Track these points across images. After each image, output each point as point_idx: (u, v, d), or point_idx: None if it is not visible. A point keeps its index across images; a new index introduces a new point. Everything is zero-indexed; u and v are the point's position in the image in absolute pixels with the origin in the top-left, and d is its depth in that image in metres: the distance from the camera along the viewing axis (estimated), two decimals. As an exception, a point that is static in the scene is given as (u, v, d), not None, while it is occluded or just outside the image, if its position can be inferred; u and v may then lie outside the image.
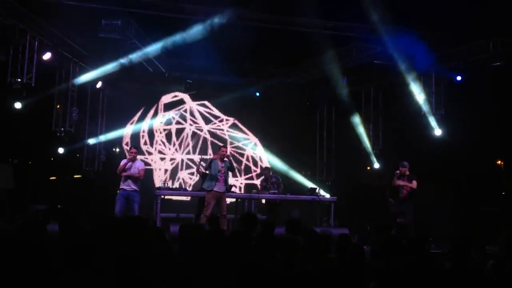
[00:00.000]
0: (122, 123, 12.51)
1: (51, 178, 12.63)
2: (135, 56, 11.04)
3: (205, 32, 10.09)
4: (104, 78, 12.05)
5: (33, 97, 9.98)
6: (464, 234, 8.54)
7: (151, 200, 10.28)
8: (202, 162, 10.68)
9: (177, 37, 10.37)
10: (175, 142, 13.35)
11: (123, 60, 11.03)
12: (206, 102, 13.82)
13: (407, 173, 9.50)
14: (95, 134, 12.29)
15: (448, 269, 3.68)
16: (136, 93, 12.60)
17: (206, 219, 8.36)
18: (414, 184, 9.24)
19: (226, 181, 8.97)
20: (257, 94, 13.54)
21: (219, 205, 8.86)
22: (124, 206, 8.68)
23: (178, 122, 13.39)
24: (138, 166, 8.95)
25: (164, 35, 10.52)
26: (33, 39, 9.68)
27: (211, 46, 10.69)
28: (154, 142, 13.14)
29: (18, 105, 9.86)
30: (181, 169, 13.24)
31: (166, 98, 13.45)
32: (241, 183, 13.24)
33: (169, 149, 13.28)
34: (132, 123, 12.89)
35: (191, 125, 13.49)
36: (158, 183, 12.39)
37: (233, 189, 10.68)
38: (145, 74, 12.24)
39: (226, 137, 13.69)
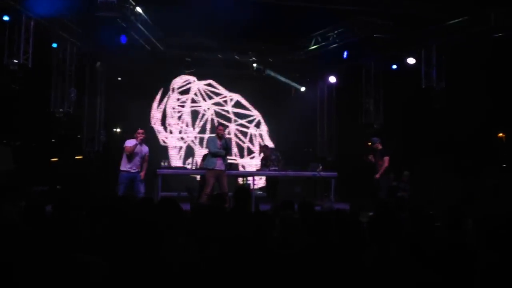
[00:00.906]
0: (122, 103, 12.44)
1: (52, 159, 12.64)
2: (132, 35, 10.91)
3: (203, 9, 9.95)
4: (103, 58, 11.97)
5: (30, 78, 9.91)
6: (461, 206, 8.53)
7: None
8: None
9: (176, 15, 10.22)
10: (187, 123, 13.45)
11: (121, 39, 10.89)
12: (211, 81, 13.83)
13: (380, 147, 9.69)
14: (94, 115, 12.24)
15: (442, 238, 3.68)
16: (135, 72, 12.52)
17: (207, 197, 8.38)
18: (385, 161, 9.45)
19: (224, 159, 8.97)
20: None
21: (220, 183, 8.89)
22: (127, 189, 8.59)
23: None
24: (145, 152, 8.85)
25: (162, 13, 10.38)
26: (29, 20, 9.57)
27: (210, 24, 10.58)
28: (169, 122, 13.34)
29: (15, 86, 9.79)
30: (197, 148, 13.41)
31: (178, 82, 13.48)
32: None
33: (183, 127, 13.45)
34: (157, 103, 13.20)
35: (199, 106, 13.61)
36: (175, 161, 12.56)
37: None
38: (144, 52, 12.12)
39: (231, 115, 13.75)
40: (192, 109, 13.74)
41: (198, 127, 13.69)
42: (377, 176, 9.80)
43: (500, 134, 11.33)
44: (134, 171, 8.68)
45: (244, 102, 14.07)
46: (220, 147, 8.92)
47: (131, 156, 8.64)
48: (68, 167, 11.88)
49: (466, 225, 4.22)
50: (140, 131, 8.78)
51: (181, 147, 13.48)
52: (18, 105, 10.29)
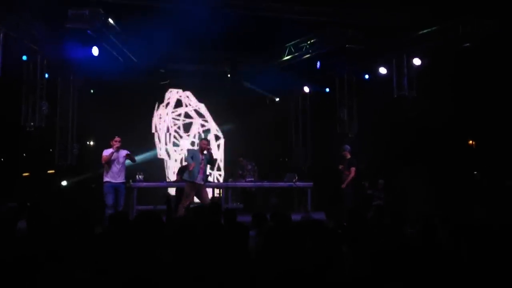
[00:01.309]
0: (94, 116, 12.28)
1: (24, 174, 12.37)
2: (104, 47, 10.80)
3: (176, 20, 9.93)
4: (74, 70, 11.81)
5: (0, 91, 9.71)
6: (435, 214, 8.66)
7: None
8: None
9: (148, 26, 10.17)
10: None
11: (92, 51, 10.77)
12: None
13: (348, 156, 9.75)
14: (66, 128, 12.04)
15: (418, 246, 3.72)
16: (107, 84, 12.38)
17: (185, 210, 8.31)
18: (352, 171, 9.52)
19: (205, 172, 9.01)
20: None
21: (200, 196, 8.82)
22: (114, 197, 8.44)
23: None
24: (123, 155, 8.68)
25: (134, 24, 10.32)
26: (-3, 32, 9.38)
27: (182, 34, 10.56)
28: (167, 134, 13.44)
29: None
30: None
31: (172, 95, 13.72)
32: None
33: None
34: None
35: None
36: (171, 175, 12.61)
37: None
38: (117, 64, 12.00)
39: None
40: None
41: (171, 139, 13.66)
42: (343, 185, 9.78)
43: (470, 142, 11.57)
44: (116, 181, 8.54)
45: (205, 112, 14.11)
46: (202, 161, 8.84)
47: (109, 164, 8.51)
48: (39, 181, 11.65)
49: (440, 234, 4.28)
50: (117, 139, 8.64)
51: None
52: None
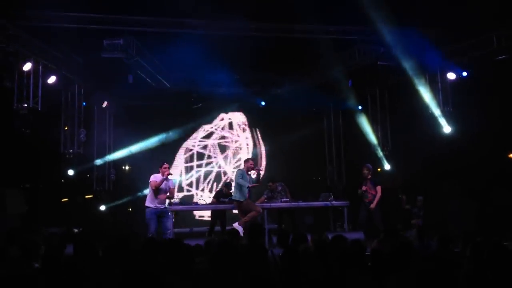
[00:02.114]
0: (129, 141, 12.53)
1: (62, 200, 12.66)
2: (138, 73, 11.07)
3: (206, 45, 10.11)
4: (109, 97, 12.12)
5: (40, 121, 10.02)
6: (479, 232, 8.43)
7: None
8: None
9: (179, 52, 10.38)
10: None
11: (128, 79, 11.04)
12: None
13: (369, 176, 9.53)
14: (103, 154, 12.32)
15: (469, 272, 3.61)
16: (141, 110, 12.63)
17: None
18: (378, 190, 9.31)
19: (250, 192, 9.10)
20: (262, 103, 13.56)
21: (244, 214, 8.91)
22: (157, 224, 8.38)
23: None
24: (171, 185, 8.73)
25: (165, 50, 10.54)
26: (37, 64, 9.74)
27: (214, 59, 10.72)
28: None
29: (26, 130, 9.90)
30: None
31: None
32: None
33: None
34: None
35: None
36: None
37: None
38: (150, 90, 12.25)
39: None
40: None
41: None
42: (373, 206, 9.54)
43: (510, 155, 11.26)
44: (161, 207, 8.52)
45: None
46: (248, 180, 8.97)
47: (157, 191, 8.44)
48: (78, 207, 11.89)
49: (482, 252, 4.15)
50: (165, 165, 8.56)
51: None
52: (29, 147, 10.37)
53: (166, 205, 8.74)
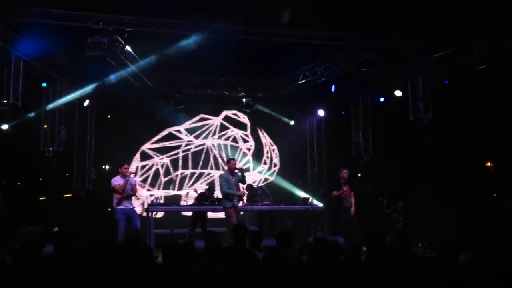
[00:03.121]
0: (111, 140, 12.42)
1: (40, 198, 12.49)
2: (121, 73, 10.98)
3: (191, 46, 10.08)
4: (91, 96, 11.99)
5: (20, 118, 9.88)
6: (456, 237, 8.56)
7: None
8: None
9: (163, 52, 10.33)
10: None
11: (109, 77, 10.95)
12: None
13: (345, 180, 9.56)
14: (84, 153, 12.19)
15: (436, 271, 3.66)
16: (123, 109, 12.54)
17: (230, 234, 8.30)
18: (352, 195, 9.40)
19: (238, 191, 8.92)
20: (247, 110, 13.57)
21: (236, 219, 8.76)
22: (126, 224, 8.39)
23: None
24: (132, 182, 8.72)
25: (150, 50, 10.48)
26: (18, 60, 9.60)
27: (197, 60, 10.70)
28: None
29: (4, 126, 9.76)
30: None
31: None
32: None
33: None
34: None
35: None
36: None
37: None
38: (132, 90, 12.17)
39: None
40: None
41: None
42: (353, 210, 9.55)
43: (488, 164, 11.48)
44: (130, 206, 8.56)
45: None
46: (234, 183, 8.76)
47: (123, 192, 8.47)
48: (57, 206, 11.74)
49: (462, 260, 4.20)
50: (126, 166, 8.68)
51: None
52: (8, 144, 10.20)
53: (133, 204, 8.75)
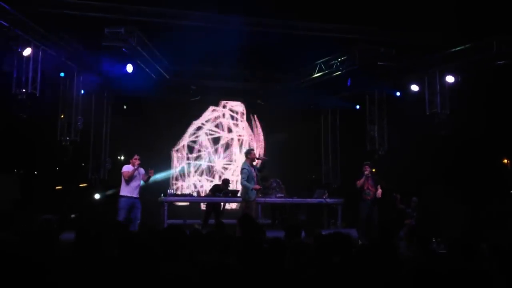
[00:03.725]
0: (127, 131, 12.52)
1: (56, 187, 12.64)
2: (138, 64, 11.05)
3: (208, 38, 10.11)
4: (108, 86, 12.09)
5: (38, 107, 10.00)
6: (470, 235, 8.49)
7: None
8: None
9: (181, 44, 10.36)
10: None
11: (126, 68, 11.02)
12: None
13: (369, 174, 9.53)
14: (100, 143, 12.32)
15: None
16: (139, 100, 12.62)
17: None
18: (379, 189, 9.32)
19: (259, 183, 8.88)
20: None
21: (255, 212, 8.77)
22: (127, 214, 8.65)
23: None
24: (142, 173, 8.97)
25: (167, 41, 10.53)
26: (37, 49, 9.70)
27: (214, 52, 10.73)
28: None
29: (23, 115, 9.87)
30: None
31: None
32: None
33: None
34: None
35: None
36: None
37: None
38: (149, 81, 12.24)
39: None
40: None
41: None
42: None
43: (505, 161, 11.33)
44: (133, 196, 8.76)
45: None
46: (255, 175, 8.67)
47: (129, 181, 8.76)
48: (72, 194, 11.87)
49: (481, 251, 4.18)
50: (136, 156, 8.93)
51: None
52: (25, 133, 10.33)
53: (138, 195, 8.88)
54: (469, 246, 4.24)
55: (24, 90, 9.50)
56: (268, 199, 10.46)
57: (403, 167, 11.18)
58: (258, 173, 8.84)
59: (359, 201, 9.62)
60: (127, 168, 8.88)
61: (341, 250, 4.02)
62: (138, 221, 8.66)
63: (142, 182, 9.01)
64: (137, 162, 8.88)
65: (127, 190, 8.76)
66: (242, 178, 8.71)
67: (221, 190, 11.08)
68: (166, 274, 3.07)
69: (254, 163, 8.85)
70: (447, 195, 10.32)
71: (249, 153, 8.92)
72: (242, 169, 8.77)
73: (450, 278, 3.17)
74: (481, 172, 10.41)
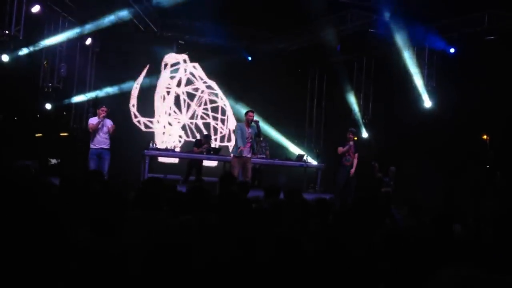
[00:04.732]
0: (111, 81, 12.35)
1: (37, 135, 12.48)
2: (126, 13, 10.82)
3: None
4: (94, 35, 11.83)
5: (21, 51, 9.77)
6: (445, 207, 8.66)
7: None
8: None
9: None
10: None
11: (113, 17, 10.78)
12: (196, 64, 13.74)
13: (351, 142, 9.42)
14: (83, 91, 12.14)
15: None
16: (126, 51, 12.40)
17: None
18: (356, 157, 9.28)
19: (252, 146, 8.86)
20: (249, 58, 13.43)
21: (244, 170, 8.80)
22: (97, 164, 8.73)
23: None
24: (108, 124, 8.89)
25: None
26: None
27: (204, 7, 10.52)
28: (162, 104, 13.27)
29: (5, 57, 9.65)
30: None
31: (170, 59, 13.35)
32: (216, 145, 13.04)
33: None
34: (137, 84, 12.89)
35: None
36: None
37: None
38: (136, 32, 12.01)
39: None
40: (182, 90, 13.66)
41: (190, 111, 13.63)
42: (353, 171, 9.54)
43: (485, 137, 11.48)
44: (99, 147, 8.80)
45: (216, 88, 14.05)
46: (249, 135, 8.67)
47: (95, 133, 8.81)
48: (53, 143, 11.76)
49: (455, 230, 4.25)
50: (103, 108, 8.89)
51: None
52: (6, 78, 10.11)
53: (106, 146, 8.86)
54: (445, 217, 4.32)
55: (7, 31, 9.25)
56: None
57: (385, 136, 11.29)
58: (254, 135, 8.81)
59: (338, 166, 9.63)
60: (92, 121, 8.92)
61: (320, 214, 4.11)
62: (105, 173, 8.48)
63: None
64: (103, 114, 8.83)
65: (95, 141, 8.83)
66: (235, 133, 8.91)
67: (202, 145, 11.09)
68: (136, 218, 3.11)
69: (252, 124, 8.75)
70: (425, 168, 10.48)
71: (246, 114, 8.91)
72: (236, 125, 9.07)
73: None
74: (461, 146, 10.55)
